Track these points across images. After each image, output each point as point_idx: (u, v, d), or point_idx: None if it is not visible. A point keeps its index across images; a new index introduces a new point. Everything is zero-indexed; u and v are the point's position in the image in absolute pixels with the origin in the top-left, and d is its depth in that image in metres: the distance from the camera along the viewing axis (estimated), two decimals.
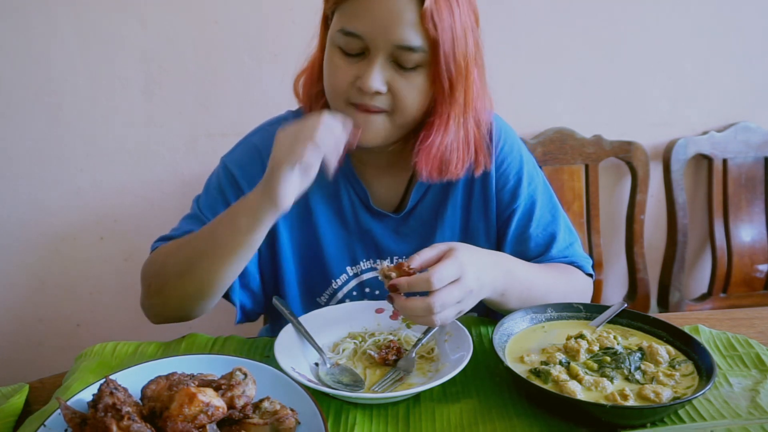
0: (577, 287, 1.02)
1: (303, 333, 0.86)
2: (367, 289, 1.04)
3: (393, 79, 0.85)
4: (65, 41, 1.45)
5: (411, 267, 0.76)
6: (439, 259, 0.77)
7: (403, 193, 1.04)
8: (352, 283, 1.04)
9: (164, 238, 0.98)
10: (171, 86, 1.52)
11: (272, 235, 1.01)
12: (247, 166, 0.99)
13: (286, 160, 0.75)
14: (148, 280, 0.94)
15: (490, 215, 1.03)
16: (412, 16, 0.80)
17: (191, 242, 0.89)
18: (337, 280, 1.03)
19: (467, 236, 1.04)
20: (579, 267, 1.04)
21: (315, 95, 0.96)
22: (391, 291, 0.77)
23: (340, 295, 1.04)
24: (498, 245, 1.04)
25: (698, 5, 1.66)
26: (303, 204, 1.01)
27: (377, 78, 0.83)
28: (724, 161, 1.75)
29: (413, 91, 0.86)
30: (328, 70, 0.89)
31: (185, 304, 0.91)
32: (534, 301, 0.92)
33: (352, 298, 1.04)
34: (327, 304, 1.04)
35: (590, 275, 1.06)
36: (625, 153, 1.69)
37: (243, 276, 0.98)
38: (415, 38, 0.81)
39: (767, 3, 1.69)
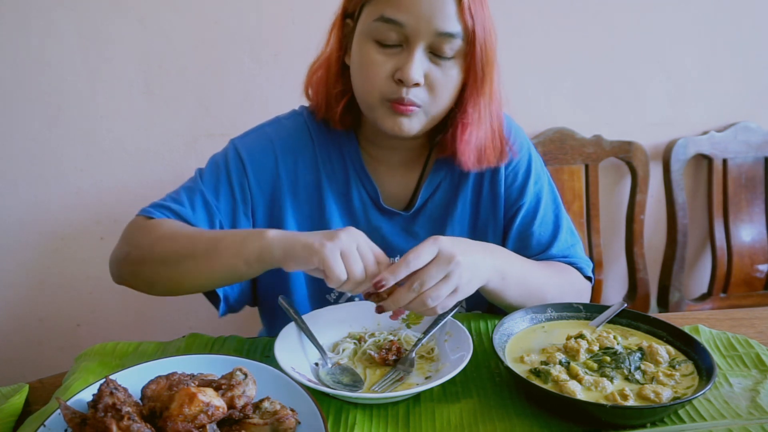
0: (574, 287, 1.02)
1: (306, 332, 0.86)
2: None
3: (430, 70, 0.86)
4: (65, 41, 1.45)
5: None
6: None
7: (414, 190, 1.04)
8: None
9: (158, 206, 0.94)
10: (171, 86, 1.52)
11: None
12: (257, 154, 0.99)
13: (326, 271, 0.74)
14: (128, 246, 0.91)
15: (498, 212, 1.04)
16: (452, 6, 0.84)
17: (188, 240, 0.86)
18: None
19: (476, 233, 1.04)
20: (578, 268, 1.05)
21: (334, 97, 0.96)
22: (376, 294, 0.77)
23: (349, 293, 1.04)
24: (502, 242, 1.05)
25: (698, 5, 1.66)
26: (316, 201, 1.01)
27: (418, 68, 0.84)
28: (724, 161, 1.75)
29: (448, 83, 0.88)
30: (361, 65, 0.89)
31: (156, 287, 0.89)
32: (531, 294, 0.92)
33: (362, 297, 1.04)
34: (336, 301, 1.04)
35: (589, 278, 1.06)
36: (625, 153, 1.69)
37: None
38: (455, 26, 0.84)
39: (767, 3, 1.69)
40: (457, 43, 0.85)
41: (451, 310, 0.90)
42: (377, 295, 0.77)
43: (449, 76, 0.88)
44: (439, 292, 0.76)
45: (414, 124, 0.89)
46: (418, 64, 0.84)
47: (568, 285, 1.00)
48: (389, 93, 0.87)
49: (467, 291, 0.80)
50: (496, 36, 0.90)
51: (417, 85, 0.86)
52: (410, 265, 0.75)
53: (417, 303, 0.76)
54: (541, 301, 0.92)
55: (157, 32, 1.47)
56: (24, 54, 1.45)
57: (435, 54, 0.86)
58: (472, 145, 0.94)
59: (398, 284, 0.77)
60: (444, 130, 0.96)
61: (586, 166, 1.70)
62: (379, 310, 0.79)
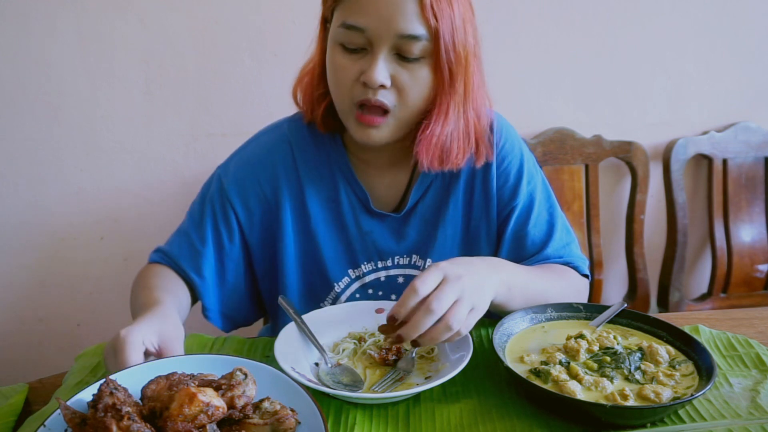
0: (573, 288, 1.02)
1: (306, 332, 0.86)
2: (369, 291, 1.04)
3: (396, 72, 0.85)
4: (65, 41, 1.45)
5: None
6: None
7: (404, 191, 1.03)
8: (355, 286, 1.04)
9: (159, 251, 1.03)
10: (171, 86, 1.52)
11: (272, 246, 1.03)
12: (240, 180, 1.01)
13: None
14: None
15: (491, 213, 1.03)
16: (413, 7, 0.82)
17: (137, 296, 0.93)
18: (339, 284, 1.03)
19: (468, 234, 1.04)
20: (575, 267, 1.04)
21: (316, 98, 0.96)
22: (390, 330, 0.76)
23: (343, 298, 1.04)
24: (496, 243, 1.04)
25: (698, 5, 1.66)
26: (300, 211, 1.01)
27: (381, 71, 0.84)
28: (724, 161, 1.75)
29: (416, 84, 0.86)
30: (330, 69, 0.90)
31: None
32: (535, 302, 0.92)
33: (355, 298, 1.04)
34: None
35: (586, 276, 1.06)
36: (625, 153, 1.69)
37: (226, 305, 1.03)
38: (417, 27, 0.82)
39: (767, 3, 1.69)
40: (423, 44, 0.84)
41: None
42: (394, 328, 0.75)
43: (417, 78, 0.86)
44: (459, 314, 0.74)
45: (383, 133, 0.90)
46: (382, 67, 0.84)
47: (568, 287, 1.00)
48: (357, 96, 0.87)
49: (483, 308, 0.79)
50: (474, 33, 0.89)
51: (383, 87, 0.85)
52: (419, 291, 0.74)
53: (442, 328, 0.74)
54: None
55: (157, 32, 1.47)
56: (24, 54, 1.45)
57: (401, 56, 0.85)
58: (432, 144, 0.92)
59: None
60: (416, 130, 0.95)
61: (586, 166, 1.70)
62: (399, 339, 0.75)
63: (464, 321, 0.76)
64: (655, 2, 1.64)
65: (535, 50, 1.63)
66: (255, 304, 1.09)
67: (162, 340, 0.74)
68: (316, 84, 0.96)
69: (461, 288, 0.75)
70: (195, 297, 1.01)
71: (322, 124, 0.98)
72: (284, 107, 1.08)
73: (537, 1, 1.60)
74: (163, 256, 1.01)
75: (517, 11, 1.59)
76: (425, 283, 0.74)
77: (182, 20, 1.47)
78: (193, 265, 0.99)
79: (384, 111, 0.88)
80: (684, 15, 1.66)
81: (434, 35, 0.83)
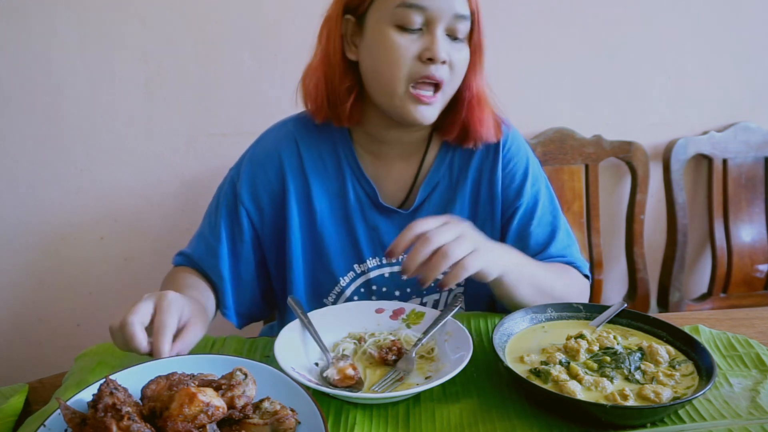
0: (576, 286, 1.03)
1: (312, 333, 0.86)
2: (374, 287, 1.05)
3: (450, 50, 0.91)
4: (65, 41, 1.45)
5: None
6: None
7: (410, 186, 1.04)
8: (359, 281, 1.04)
9: (181, 254, 1.06)
10: (171, 86, 1.52)
11: (282, 242, 1.04)
12: (252, 180, 1.02)
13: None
14: None
15: (495, 214, 1.05)
16: None
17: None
18: (345, 278, 1.04)
19: None
20: (576, 268, 1.05)
21: (342, 93, 0.96)
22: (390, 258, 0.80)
23: (347, 293, 1.04)
24: (500, 242, 1.05)
25: (698, 5, 1.66)
26: (306, 207, 1.02)
27: (444, 46, 0.89)
28: (724, 161, 1.75)
29: (462, 63, 0.93)
30: (385, 51, 0.90)
31: None
32: (542, 291, 0.93)
33: (360, 296, 1.04)
34: (334, 303, 1.04)
35: (587, 276, 1.07)
36: (625, 153, 1.69)
37: (241, 303, 1.05)
38: (467, 8, 0.90)
39: (767, 3, 1.69)
40: (467, 25, 0.91)
41: (451, 309, 0.91)
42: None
43: (463, 56, 0.93)
44: (460, 246, 0.77)
45: (434, 110, 0.93)
46: (443, 42, 0.89)
47: (571, 284, 1.01)
48: (417, 72, 0.89)
49: (487, 255, 0.81)
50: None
51: (443, 63, 0.89)
52: (414, 228, 0.78)
53: (439, 256, 0.77)
54: (550, 300, 0.93)
55: (158, 32, 1.47)
56: (24, 54, 1.44)
57: (449, 36, 0.90)
58: (477, 121, 0.98)
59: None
60: (449, 112, 0.99)
61: (586, 166, 1.70)
62: (404, 271, 0.79)
63: (465, 254, 0.78)
64: (656, 2, 1.64)
65: (535, 50, 1.63)
66: (267, 301, 1.11)
67: (187, 320, 0.78)
68: (339, 79, 0.95)
69: (463, 229, 0.79)
70: (216, 297, 1.03)
71: (349, 117, 0.98)
72: (284, 107, 1.08)
73: (537, 1, 1.60)
74: (185, 259, 1.05)
75: (517, 11, 1.59)
76: (424, 223, 0.79)
77: (182, 20, 1.47)
78: (211, 266, 1.02)
79: (436, 88, 0.91)
80: (684, 15, 1.66)
81: (476, 17, 0.91)
